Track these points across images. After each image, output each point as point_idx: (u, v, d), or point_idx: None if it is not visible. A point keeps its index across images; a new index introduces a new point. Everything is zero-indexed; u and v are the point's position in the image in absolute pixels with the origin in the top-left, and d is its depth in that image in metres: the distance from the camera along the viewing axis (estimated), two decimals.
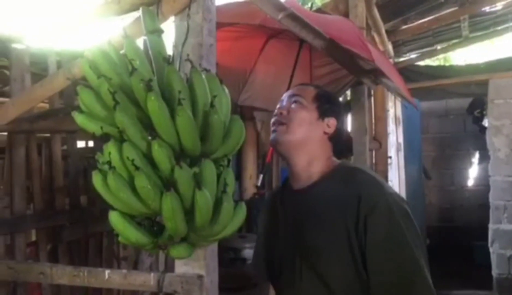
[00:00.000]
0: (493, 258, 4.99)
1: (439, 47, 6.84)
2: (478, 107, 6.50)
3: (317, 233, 1.38)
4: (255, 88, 3.33)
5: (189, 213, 1.07)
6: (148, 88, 1.03)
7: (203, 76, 1.13)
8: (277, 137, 1.46)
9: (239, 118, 1.18)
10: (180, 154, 1.09)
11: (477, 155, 7.20)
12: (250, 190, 4.17)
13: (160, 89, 1.10)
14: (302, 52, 3.11)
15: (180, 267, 1.28)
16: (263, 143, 4.42)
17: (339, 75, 3.22)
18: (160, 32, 1.22)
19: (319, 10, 3.51)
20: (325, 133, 1.48)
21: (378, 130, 4.42)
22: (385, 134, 4.44)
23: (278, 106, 1.52)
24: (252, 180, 4.29)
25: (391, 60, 5.23)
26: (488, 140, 4.99)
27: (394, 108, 5.28)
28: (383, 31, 4.40)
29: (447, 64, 8.96)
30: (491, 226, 4.99)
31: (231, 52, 3.18)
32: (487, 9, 5.62)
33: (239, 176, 4.25)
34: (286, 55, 3.13)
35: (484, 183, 6.32)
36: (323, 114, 1.47)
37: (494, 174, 4.97)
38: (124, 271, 1.31)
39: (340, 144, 1.54)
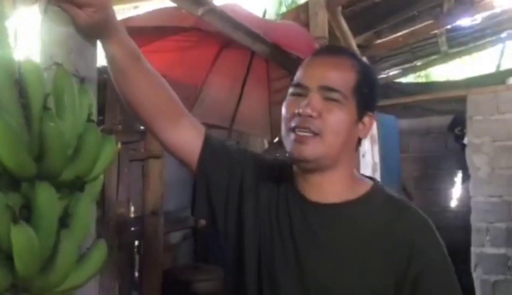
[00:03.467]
0: (477, 284, 4.69)
1: (419, 63, 6.69)
2: (459, 124, 6.29)
3: (345, 272, 1.03)
4: (208, 103, 3.06)
5: (10, 257, 0.78)
6: None
7: (40, 69, 0.84)
8: (307, 153, 1.03)
9: (95, 127, 0.89)
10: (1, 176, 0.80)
11: (460, 174, 6.95)
12: None
13: None
14: (259, 65, 2.85)
15: None
16: None
17: None
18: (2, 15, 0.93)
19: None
20: (358, 138, 1.11)
21: None
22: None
23: (304, 100, 1.04)
24: None
25: None
26: (468, 158, 4.74)
27: None
28: (354, 44, 4.17)
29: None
30: (474, 250, 4.71)
31: (180, 64, 2.92)
32: (465, 25, 5.47)
33: None
34: (240, 66, 2.86)
35: (467, 204, 6.05)
36: (362, 112, 1.08)
37: (475, 195, 4.71)
38: None
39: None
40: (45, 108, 0.79)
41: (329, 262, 1.04)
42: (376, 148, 5.07)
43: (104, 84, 2.16)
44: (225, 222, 1.15)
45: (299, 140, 1.04)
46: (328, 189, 1.09)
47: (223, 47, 2.96)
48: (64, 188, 0.91)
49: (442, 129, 6.82)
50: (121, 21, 2.45)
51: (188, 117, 1.15)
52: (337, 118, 1.04)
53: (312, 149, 1.04)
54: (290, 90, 1.09)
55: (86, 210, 0.87)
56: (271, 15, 3.61)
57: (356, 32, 4.27)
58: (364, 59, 4.47)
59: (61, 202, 0.90)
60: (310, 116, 1.03)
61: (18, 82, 0.84)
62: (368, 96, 1.09)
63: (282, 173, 1.16)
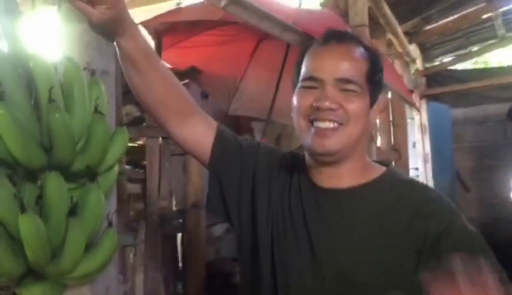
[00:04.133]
0: None
1: (474, 49, 6.38)
2: None
3: (359, 254, 1.00)
4: (247, 96, 3.06)
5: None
6: None
7: (49, 63, 0.87)
8: (330, 146, 1.01)
9: (102, 117, 0.91)
10: (14, 167, 0.84)
11: None
12: None
13: None
14: (295, 55, 2.81)
15: None
16: None
17: None
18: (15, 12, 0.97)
19: None
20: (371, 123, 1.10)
21: (397, 138, 4.03)
22: (405, 143, 4.04)
23: (319, 93, 1.02)
24: None
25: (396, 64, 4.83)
26: None
27: (419, 116, 4.87)
28: (400, 31, 4.03)
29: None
30: None
31: (219, 57, 2.94)
32: None
33: None
34: (277, 57, 2.84)
35: None
36: (375, 97, 1.06)
37: None
38: None
39: None
40: (50, 100, 0.82)
41: (343, 246, 1.01)
42: (427, 138, 4.90)
43: None
44: (238, 214, 1.15)
45: (320, 134, 1.02)
46: (342, 178, 1.07)
47: (261, 39, 2.96)
48: (77, 178, 0.94)
49: (500, 117, 6.47)
50: (158, 17, 2.51)
51: (199, 114, 1.15)
52: (357, 107, 1.02)
53: (335, 141, 1.02)
54: (301, 83, 1.05)
55: (97, 200, 0.90)
56: (315, 4, 3.54)
57: (402, 19, 4.13)
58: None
59: (74, 192, 0.93)
60: (331, 109, 1.01)
61: (31, 78, 0.88)
62: (379, 81, 1.07)
63: (294, 164, 1.15)
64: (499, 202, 6.79)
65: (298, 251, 1.05)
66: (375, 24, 3.72)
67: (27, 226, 0.77)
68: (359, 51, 1.06)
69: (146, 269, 2.70)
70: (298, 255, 1.05)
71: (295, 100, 1.07)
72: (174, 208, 3.03)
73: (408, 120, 4.50)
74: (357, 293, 0.99)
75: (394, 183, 1.05)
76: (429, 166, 4.83)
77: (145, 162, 2.77)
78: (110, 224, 0.93)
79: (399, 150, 3.99)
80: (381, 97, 1.09)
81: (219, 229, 3.55)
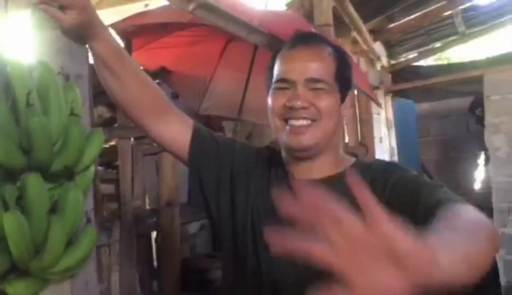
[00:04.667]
0: (500, 265, 4.66)
1: (437, 45, 6.59)
2: (479, 105, 6.20)
3: None
4: (217, 96, 3.12)
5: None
6: None
7: (25, 68, 0.92)
8: (306, 141, 1.08)
9: (77, 120, 0.96)
10: None
11: (482, 156, 6.85)
12: None
13: None
14: (263, 55, 2.88)
15: None
16: None
17: None
18: None
19: None
20: (344, 117, 1.18)
21: (364, 134, 4.15)
22: (372, 138, 4.17)
23: (291, 93, 1.09)
24: None
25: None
26: (486, 139, 4.69)
27: (385, 111, 5.02)
28: (364, 30, 4.16)
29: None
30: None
31: (188, 58, 2.99)
32: (482, 3, 5.37)
33: None
34: (245, 58, 2.91)
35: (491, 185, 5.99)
36: (344, 93, 1.14)
37: (496, 175, 4.66)
38: None
39: None
40: (28, 104, 0.87)
41: None
42: (393, 133, 5.06)
43: None
44: (218, 208, 1.20)
45: (295, 131, 1.09)
46: (318, 170, 1.14)
47: (230, 40, 3.02)
48: (56, 178, 0.99)
49: (462, 111, 6.72)
50: (127, 19, 2.54)
51: (175, 112, 1.20)
52: (327, 103, 1.10)
53: (310, 137, 1.09)
54: (274, 85, 1.13)
55: (75, 198, 0.94)
56: (281, 5, 3.63)
57: (366, 18, 4.25)
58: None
59: (54, 191, 0.98)
60: (303, 107, 1.08)
61: (7, 82, 0.92)
62: (347, 78, 1.16)
63: (271, 157, 1.22)
64: (463, 192, 7.03)
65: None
66: (340, 24, 3.83)
67: (11, 223, 0.82)
68: (326, 51, 1.14)
69: (121, 269, 2.73)
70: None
71: (269, 101, 1.15)
72: (148, 207, 3.06)
73: (375, 116, 4.64)
74: None
75: (363, 168, 1.13)
76: (396, 159, 4.98)
77: (117, 163, 2.79)
78: (88, 221, 0.98)
79: (366, 145, 4.12)
80: (350, 93, 1.17)
81: (193, 226, 3.60)
